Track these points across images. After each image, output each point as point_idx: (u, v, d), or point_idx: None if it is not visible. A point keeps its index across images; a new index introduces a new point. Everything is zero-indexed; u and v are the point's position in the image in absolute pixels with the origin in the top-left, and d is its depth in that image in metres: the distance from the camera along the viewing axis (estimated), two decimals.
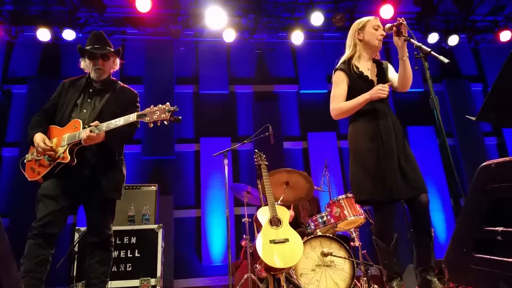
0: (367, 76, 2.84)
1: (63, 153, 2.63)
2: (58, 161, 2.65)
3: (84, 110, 2.79)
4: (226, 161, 4.38)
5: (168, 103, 2.57)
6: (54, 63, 6.91)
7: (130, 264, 4.05)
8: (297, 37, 6.84)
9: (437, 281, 2.56)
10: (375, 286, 3.81)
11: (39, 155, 2.71)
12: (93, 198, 2.76)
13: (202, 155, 6.76)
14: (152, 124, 2.55)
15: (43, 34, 6.28)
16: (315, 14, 6.53)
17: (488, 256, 1.45)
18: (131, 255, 4.08)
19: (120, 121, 2.60)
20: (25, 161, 2.85)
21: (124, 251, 4.09)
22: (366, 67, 2.88)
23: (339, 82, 2.89)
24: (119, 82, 3.04)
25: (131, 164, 6.38)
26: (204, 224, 6.40)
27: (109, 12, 6.44)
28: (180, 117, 2.62)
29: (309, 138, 7.14)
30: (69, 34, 6.38)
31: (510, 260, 1.35)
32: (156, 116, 2.53)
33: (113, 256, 2.96)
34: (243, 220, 4.35)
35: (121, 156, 2.92)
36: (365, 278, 3.82)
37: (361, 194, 2.70)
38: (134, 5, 6.11)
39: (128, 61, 7.05)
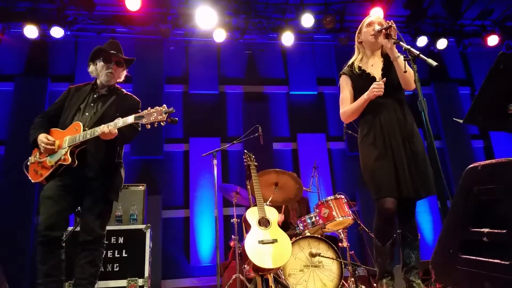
0: (368, 74, 2.84)
1: (64, 155, 2.70)
2: (59, 163, 2.71)
3: (86, 114, 2.86)
4: (215, 162, 4.37)
5: (164, 105, 2.63)
6: (41, 61, 6.84)
7: (117, 264, 4.01)
8: (288, 38, 6.86)
9: (421, 283, 2.57)
10: (363, 286, 3.83)
11: (41, 157, 2.78)
12: (91, 198, 2.79)
13: (191, 155, 6.74)
14: (149, 126, 2.62)
15: (31, 31, 6.20)
16: (306, 16, 6.55)
17: (474, 257, 1.46)
18: (118, 255, 4.05)
19: (127, 120, 2.67)
20: (28, 163, 2.90)
21: (111, 251, 4.05)
22: (370, 65, 2.89)
23: (343, 86, 2.94)
24: (123, 89, 3.11)
25: None
26: (193, 224, 6.38)
27: (98, 10, 6.39)
28: (177, 119, 2.70)
29: (299, 139, 7.16)
30: (57, 32, 6.31)
31: (495, 261, 1.36)
32: (153, 118, 2.60)
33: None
34: (232, 221, 4.35)
35: (120, 159, 2.97)
36: (352, 279, 3.84)
37: (371, 193, 2.69)
38: (124, 4, 6.06)
39: None
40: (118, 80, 3.08)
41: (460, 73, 8.19)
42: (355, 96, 2.85)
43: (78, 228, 3.39)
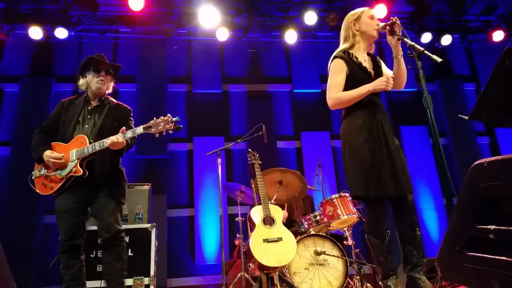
0: (366, 67, 2.80)
1: (74, 167, 2.88)
2: (70, 174, 2.88)
3: (86, 126, 3.04)
4: (219, 160, 4.36)
5: (169, 115, 2.85)
6: (46, 62, 6.87)
7: None
8: (291, 36, 6.85)
9: (426, 280, 2.55)
10: (368, 284, 3.82)
11: (49, 171, 2.93)
12: (101, 200, 2.96)
13: (195, 155, 6.74)
14: (158, 135, 2.84)
15: (35, 33, 6.22)
16: (309, 14, 6.54)
17: (481, 254, 1.45)
18: None
19: (136, 131, 2.88)
20: (32, 177, 3.04)
21: None
22: (363, 59, 2.84)
23: (338, 71, 2.77)
24: (113, 99, 3.27)
25: (125, 163, 6.33)
26: (198, 223, 6.39)
27: (102, 11, 6.41)
28: (181, 126, 2.88)
29: (303, 138, 7.15)
30: (61, 33, 6.33)
31: (502, 258, 1.35)
32: (161, 127, 2.82)
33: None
34: (236, 219, 4.34)
35: (121, 166, 3.17)
36: (358, 277, 3.82)
37: (356, 190, 2.67)
38: (127, 4, 6.07)
39: (121, 60, 7.01)
40: (107, 91, 3.24)
41: (465, 69, 8.14)
42: (349, 85, 2.75)
43: None
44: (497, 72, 1.64)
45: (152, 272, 4.06)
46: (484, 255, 1.44)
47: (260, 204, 3.71)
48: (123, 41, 7.05)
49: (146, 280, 4.00)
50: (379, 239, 2.63)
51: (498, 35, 7.33)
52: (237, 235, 4.37)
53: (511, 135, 7.59)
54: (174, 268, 6.15)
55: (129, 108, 3.29)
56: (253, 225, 3.61)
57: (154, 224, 4.28)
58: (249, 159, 4.07)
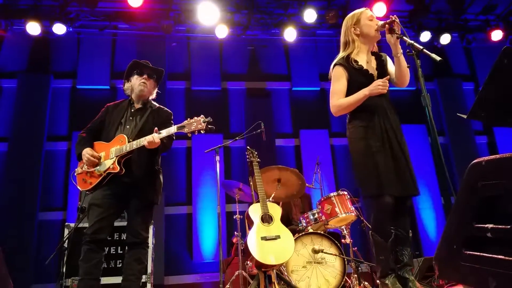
0: (367, 70, 2.80)
1: (112, 164, 2.96)
2: (108, 171, 2.97)
3: (127, 127, 3.16)
4: (218, 158, 4.35)
5: (202, 115, 2.96)
6: (44, 58, 6.84)
7: (120, 261, 4.02)
8: (290, 34, 6.84)
9: (414, 280, 2.56)
10: (366, 283, 3.83)
11: (89, 168, 3.04)
12: (137, 203, 3.06)
13: (193, 152, 6.74)
14: (190, 134, 2.93)
15: (33, 28, 6.21)
16: (308, 11, 6.54)
17: (478, 253, 1.45)
18: (121, 252, 4.05)
19: (170, 130, 2.96)
20: (75, 174, 3.16)
21: (114, 247, 4.05)
22: (365, 61, 2.83)
23: (338, 78, 2.81)
24: (156, 104, 3.39)
25: None
26: (196, 220, 6.39)
27: (100, 7, 6.38)
28: (214, 127, 2.99)
29: (301, 136, 7.15)
30: (59, 28, 6.32)
31: (499, 257, 1.35)
32: (193, 127, 2.90)
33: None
34: (234, 217, 4.34)
35: (158, 166, 3.26)
36: (355, 275, 3.83)
37: (366, 189, 2.68)
38: (126, 0, 6.05)
39: (119, 57, 7.00)
40: (150, 97, 3.36)
41: (464, 68, 8.15)
42: (350, 91, 2.78)
43: (81, 225, 3.81)
44: (496, 71, 1.64)
45: (149, 270, 4.05)
46: (481, 254, 1.44)
47: (258, 202, 3.71)
48: (122, 38, 7.03)
49: (143, 278, 3.99)
50: (383, 237, 2.62)
51: (497, 35, 7.33)
52: (235, 233, 4.37)
53: (509, 134, 7.61)
54: (171, 265, 6.15)
55: (170, 111, 3.39)
56: (251, 223, 3.61)
57: (151, 221, 4.26)
58: (247, 156, 4.07)
